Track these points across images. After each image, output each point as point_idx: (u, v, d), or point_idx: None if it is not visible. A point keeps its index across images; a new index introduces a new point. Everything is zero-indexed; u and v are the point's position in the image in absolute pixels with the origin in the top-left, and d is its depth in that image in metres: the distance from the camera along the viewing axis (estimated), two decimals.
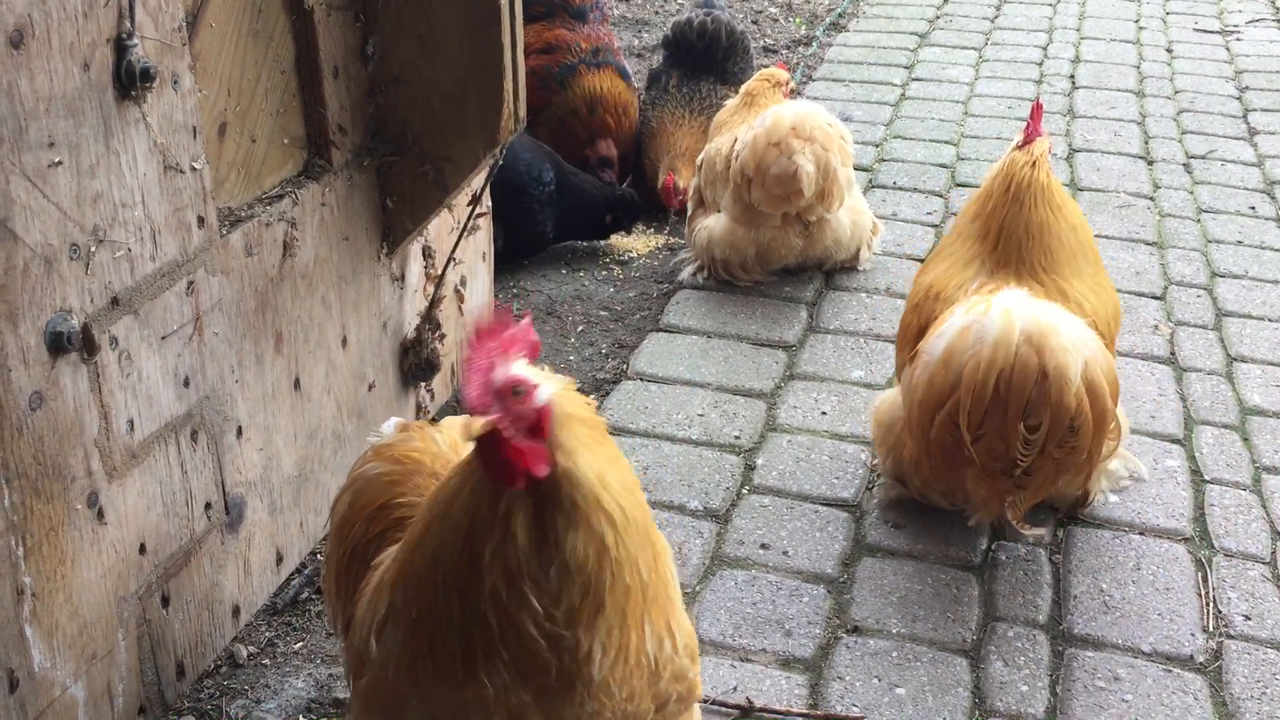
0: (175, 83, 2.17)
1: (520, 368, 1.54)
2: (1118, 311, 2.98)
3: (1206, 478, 3.24)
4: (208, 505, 2.44)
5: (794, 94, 4.32)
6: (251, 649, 2.66)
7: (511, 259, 4.31)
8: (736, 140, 4.03)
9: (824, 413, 3.49)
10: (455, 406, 3.50)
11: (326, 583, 2.13)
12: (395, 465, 2.02)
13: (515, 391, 1.52)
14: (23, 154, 1.86)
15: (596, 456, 1.60)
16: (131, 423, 2.18)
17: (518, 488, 1.56)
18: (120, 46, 2.02)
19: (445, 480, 1.69)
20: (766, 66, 4.45)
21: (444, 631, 1.64)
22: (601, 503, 1.58)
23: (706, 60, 4.89)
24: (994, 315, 2.59)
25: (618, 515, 1.59)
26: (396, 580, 1.73)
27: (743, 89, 4.28)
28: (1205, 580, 2.88)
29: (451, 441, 2.02)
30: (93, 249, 2.03)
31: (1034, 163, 2.97)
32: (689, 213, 4.32)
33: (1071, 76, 6.19)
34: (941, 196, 4.86)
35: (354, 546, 2.00)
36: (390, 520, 1.96)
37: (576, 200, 4.33)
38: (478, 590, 1.59)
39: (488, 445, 1.54)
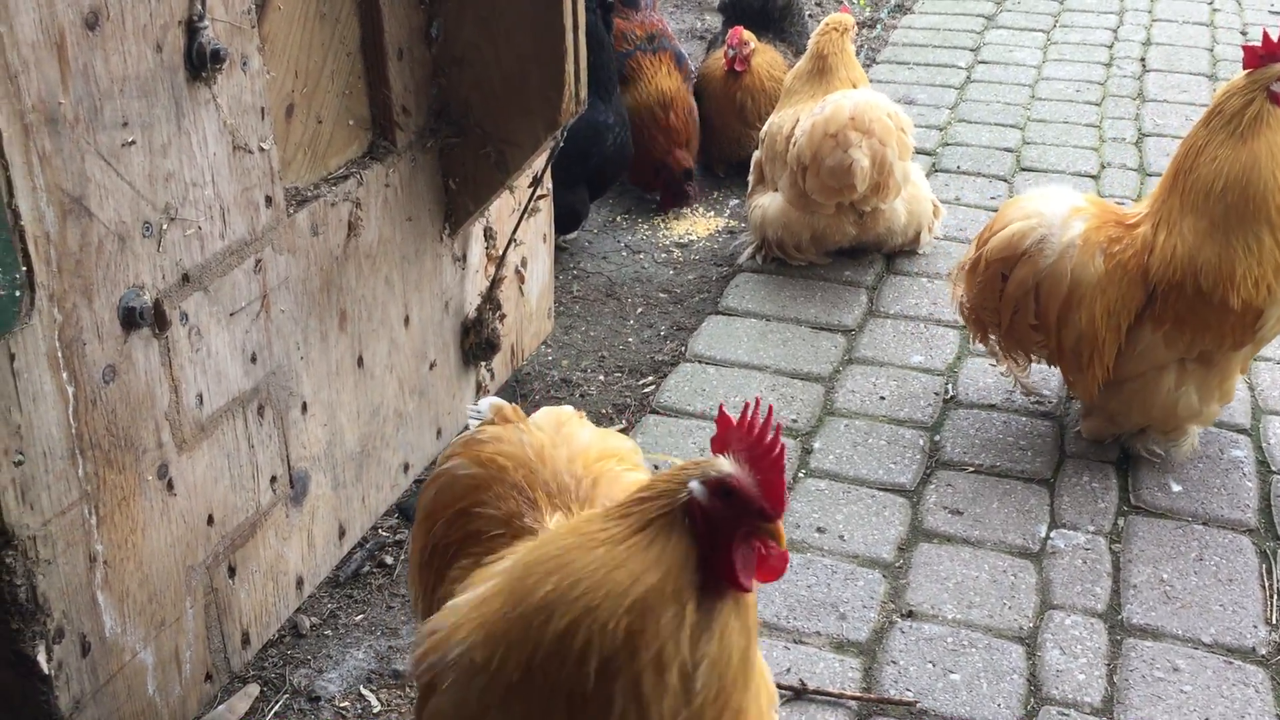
0: (245, 64, 2.21)
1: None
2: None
3: (1274, 469, 3.18)
4: (273, 479, 2.49)
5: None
6: (314, 620, 2.71)
7: (602, 194, 4.35)
8: (799, 121, 4.01)
9: (882, 397, 3.48)
10: (514, 386, 3.54)
11: (411, 566, 2.08)
12: (479, 468, 1.92)
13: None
14: (98, 133, 1.90)
15: None
16: (200, 397, 2.23)
17: (746, 590, 1.49)
18: (192, 28, 2.06)
19: (576, 534, 1.54)
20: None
21: (552, 702, 1.49)
22: (754, 614, 1.54)
23: (764, 19, 4.94)
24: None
25: (754, 624, 1.55)
26: (498, 634, 1.54)
27: (810, 46, 4.22)
28: (1269, 572, 2.84)
29: (538, 446, 1.90)
30: (164, 227, 2.08)
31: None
32: (749, 186, 4.32)
33: (1142, 59, 6.08)
34: (1006, 181, 4.81)
35: (434, 544, 1.94)
36: (467, 531, 1.88)
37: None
38: (624, 665, 1.45)
39: (747, 550, 1.47)
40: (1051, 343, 3.12)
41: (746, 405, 1.50)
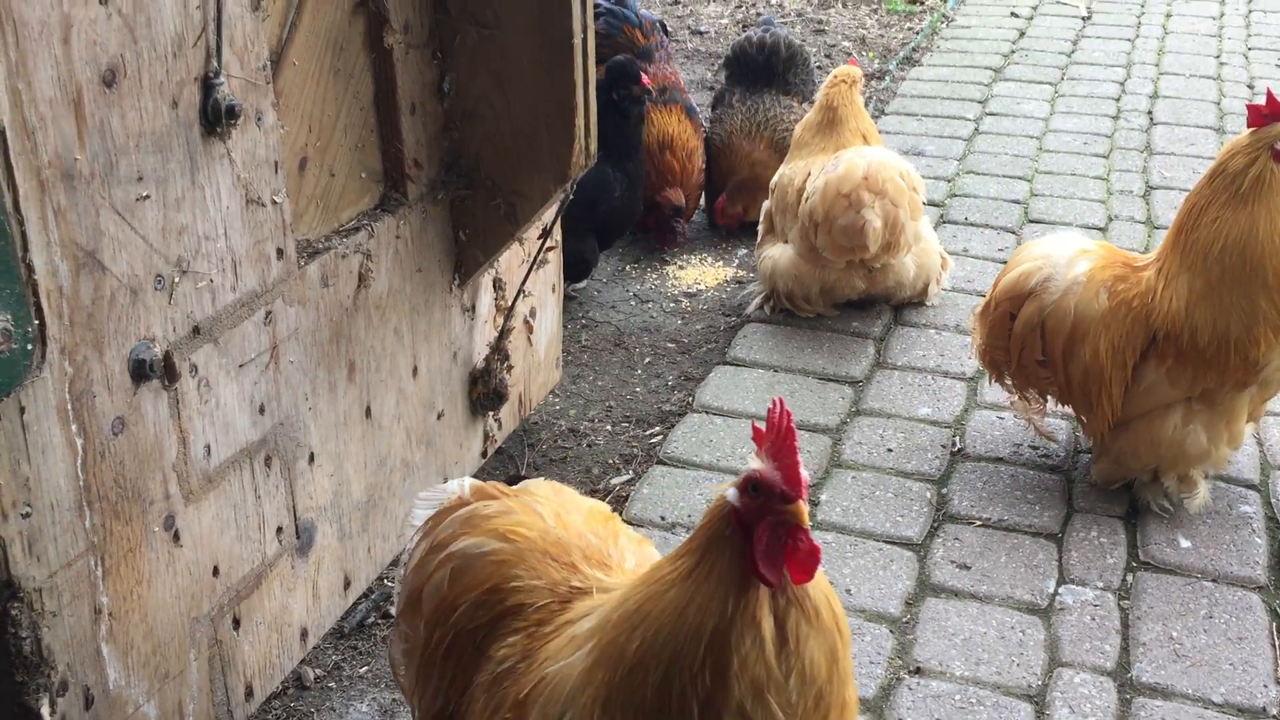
0: (259, 119, 2.24)
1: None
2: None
3: None
4: (279, 530, 2.49)
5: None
6: (318, 672, 2.70)
7: (610, 247, 4.41)
8: (810, 175, 4.05)
9: (889, 450, 3.48)
10: (522, 436, 3.54)
11: (408, 664, 2.00)
12: (503, 543, 1.88)
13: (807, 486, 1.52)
14: (112, 188, 1.92)
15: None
16: (208, 448, 2.24)
17: (777, 585, 1.50)
18: (207, 85, 2.09)
19: (647, 592, 1.56)
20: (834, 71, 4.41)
21: None
22: (835, 611, 1.54)
23: (768, 74, 4.98)
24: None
25: (845, 627, 1.56)
26: (613, 701, 1.55)
27: (819, 97, 4.28)
28: None
29: (554, 512, 1.90)
30: (176, 280, 2.09)
31: None
32: (759, 236, 4.35)
33: (1149, 112, 6.12)
34: (1014, 233, 4.83)
35: (458, 631, 1.87)
36: (505, 607, 1.83)
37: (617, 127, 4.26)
38: (723, 704, 1.48)
39: (775, 540, 1.49)
40: (1059, 379, 3.18)
41: (772, 404, 1.53)
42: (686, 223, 4.83)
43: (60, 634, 1.96)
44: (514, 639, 1.78)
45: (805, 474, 1.50)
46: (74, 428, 1.92)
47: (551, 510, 1.92)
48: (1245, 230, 2.89)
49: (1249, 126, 2.95)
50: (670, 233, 4.76)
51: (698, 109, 5.00)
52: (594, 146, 2.79)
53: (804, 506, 1.48)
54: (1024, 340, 3.20)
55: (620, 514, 3.14)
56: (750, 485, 1.50)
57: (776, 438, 1.50)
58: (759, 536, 1.49)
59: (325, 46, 2.49)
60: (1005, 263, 4.54)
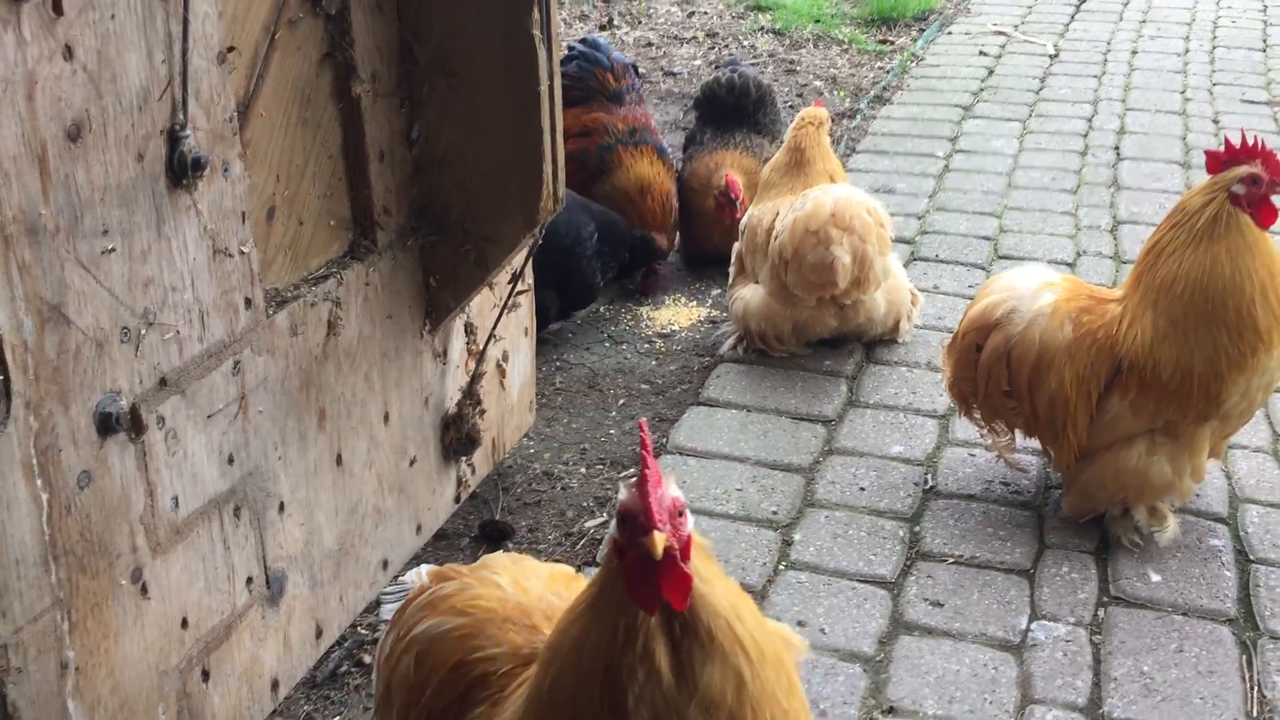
0: (226, 170, 2.25)
1: (675, 489, 1.49)
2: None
3: (1252, 558, 3.19)
4: (249, 580, 2.48)
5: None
6: None
7: (568, 315, 4.42)
8: (779, 215, 4.08)
9: (862, 488, 3.49)
10: (496, 480, 3.54)
11: None
12: (462, 618, 1.89)
13: (680, 512, 1.49)
14: (77, 242, 1.93)
15: (727, 587, 1.55)
16: (176, 500, 2.23)
17: (653, 613, 1.48)
18: (173, 138, 2.10)
19: (560, 628, 1.58)
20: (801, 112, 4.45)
21: None
22: (736, 633, 1.51)
23: (738, 114, 5.04)
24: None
25: (752, 647, 1.52)
26: None
27: (787, 139, 4.31)
28: (1250, 664, 2.83)
29: (511, 580, 1.92)
30: (143, 332, 2.10)
31: None
32: (730, 278, 4.37)
33: (1116, 148, 6.19)
34: (984, 269, 4.87)
35: (428, 712, 1.87)
36: (469, 680, 1.83)
37: (613, 239, 4.41)
38: None
39: (643, 569, 1.46)
40: (1026, 409, 3.22)
41: (640, 427, 1.54)
42: (661, 264, 4.85)
43: (26, 690, 1.94)
44: (481, 709, 1.78)
45: (665, 500, 1.47)
46: (39, 482, 1.91)
47: (510, 578, 1.92)
48: (1206, 269, 2.93)
49: (1209, 172, 3.01)
50: (657, 279, 4.77)
51: (669, 149, 5.04)
52: (562, 191, 2.82)
53: (659, 537, 1.44)
54: (990, 370, 3.24)
55: (594, 557, 3.18)
56: (619, 517, 1.50)
57: (641, 465, 1.49)
58: (629, 566, 1.48)
59: (293, 97, 2.51)
60: (973, 298, 4.60)
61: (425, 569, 2.09)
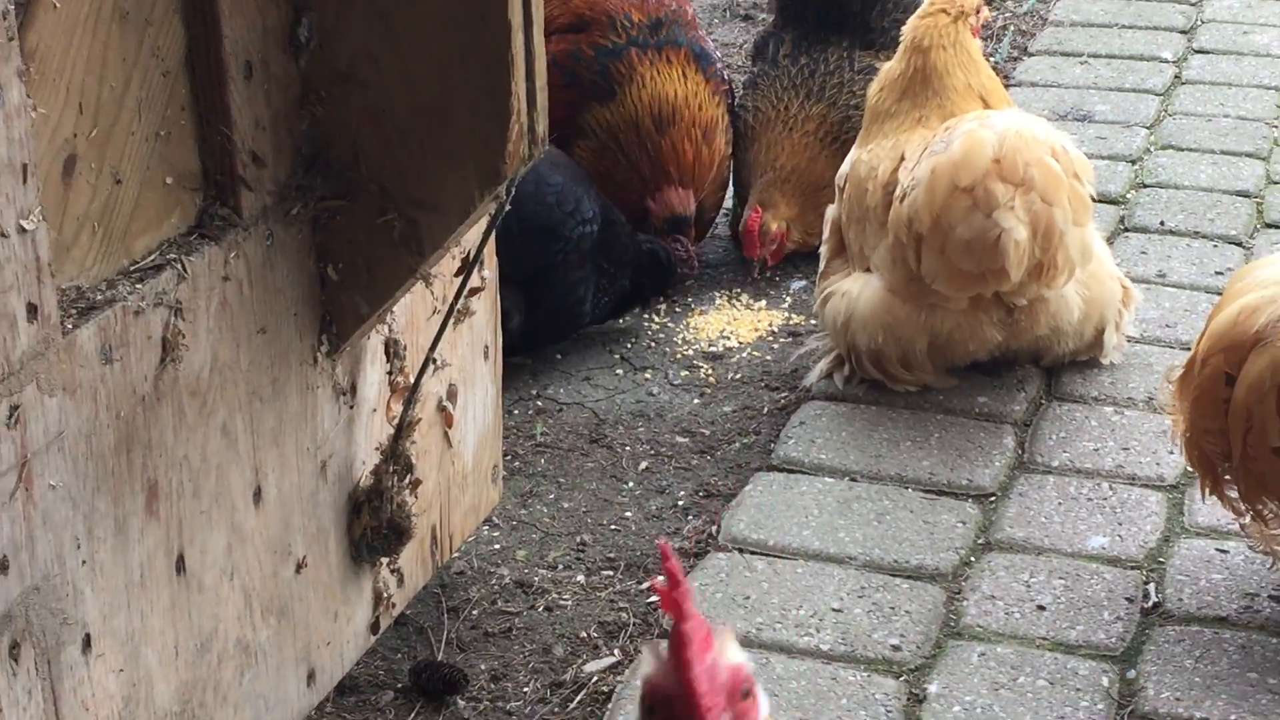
0: None
1: (738, 652, 1.32)
2: None
3: None
4: None
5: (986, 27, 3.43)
6: None
7: (534, 346, 3.42)
8: (904, 160, 3.17)
9: (1041, 607, 2.67)
10: (438, 595, 2.76)
11: None
12: None
13: (745, 692, 1.30)
14: None
15: None
16: None
17: None
18: None
19: None
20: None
21: None
22: None
23: (838, 10, 3.90)
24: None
25: None
26: None
27: (906, 38, 3.32)
28: None
29: None
30: None
31: None
32: (822, 262, 3.42)
33: None
34: (1239, 245, 3.87)
35: None
36: None
37: (611, 246, 3.40)
38: None
39: None
40: None
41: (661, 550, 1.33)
42: (699, 242, 3.75)
43: None
44: None
45: (721, 674, 1.28)
46: None
47: None
48: None
49: None
50: (669, 265, 3.67)
51: (720, 63, 3.88)
52: (542, 126, 2.18)
53: None
54: (1251, 415, 2.49)
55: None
56: (646, 705, 1.31)
57: (670, 612, 1.31)
58: None
59: None
60: (1221, 294, 3.56)
61: None
